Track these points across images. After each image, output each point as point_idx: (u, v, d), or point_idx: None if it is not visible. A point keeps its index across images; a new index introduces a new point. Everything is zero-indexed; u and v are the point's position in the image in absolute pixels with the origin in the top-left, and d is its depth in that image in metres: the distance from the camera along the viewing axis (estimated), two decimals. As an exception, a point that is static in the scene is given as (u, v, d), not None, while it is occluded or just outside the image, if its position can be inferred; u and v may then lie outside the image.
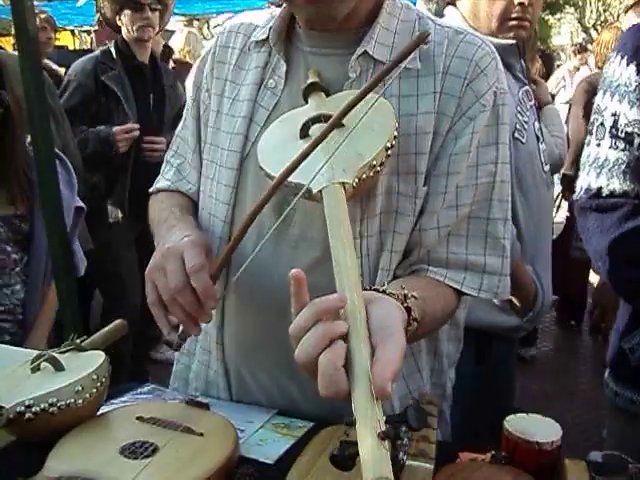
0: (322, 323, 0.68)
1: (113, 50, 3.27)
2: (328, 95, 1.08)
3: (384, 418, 0.62)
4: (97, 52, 3.33)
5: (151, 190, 1.35)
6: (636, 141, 1.38)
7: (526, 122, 1.86)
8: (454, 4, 1.93)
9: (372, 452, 0.59)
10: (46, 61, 3.82)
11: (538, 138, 1.92)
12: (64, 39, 9.47)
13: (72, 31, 9.39)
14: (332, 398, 0.66)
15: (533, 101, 1.94)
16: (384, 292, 0.84)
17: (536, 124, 1.94)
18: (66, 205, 2.06)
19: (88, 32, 6.67)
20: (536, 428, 0.93)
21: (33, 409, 0.97)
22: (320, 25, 1.09)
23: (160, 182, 1.33)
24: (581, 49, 7.46)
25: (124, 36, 3.27)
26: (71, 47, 9.01)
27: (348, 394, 0.65)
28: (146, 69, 3.32)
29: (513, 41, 1.85)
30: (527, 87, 1.95)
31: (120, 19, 3.27)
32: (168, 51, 4.65)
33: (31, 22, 1.75)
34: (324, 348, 0.67)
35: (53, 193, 1.94)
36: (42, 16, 4.33)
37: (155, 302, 1.01)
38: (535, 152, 1.88)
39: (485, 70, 1.06)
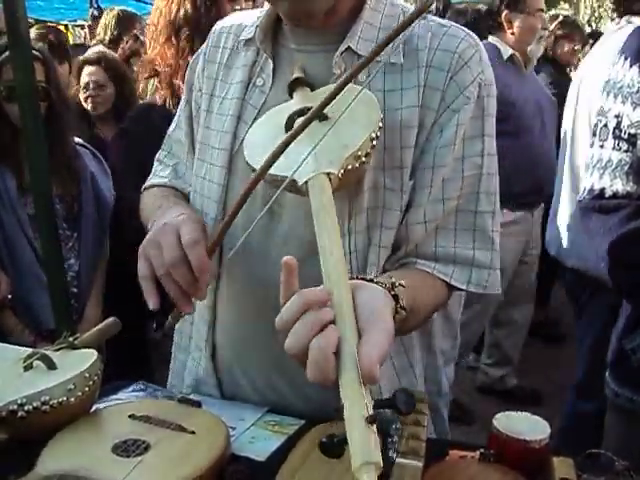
0: (311, 312, 0.71)
1: None
2: (313, 90, 1.11)
3: (372, 402, 0.64)
4: None
5: (144, 186, 1.39)
6: (639, 142, 1.44)
7: None
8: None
9: (360, 437, 0.60)
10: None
11: None
12: (57, 34, 9.56)
13: (66, 26, 9.48)
14: (320, 384, 0.68)
15: None
16: (371, 280, 0.87)
17: None
18: (108, 192, 2.44)
19: (82, 27, 6.78)
20: (524, 426, 0.98)
21: (25, 407, 1.01)
22: (302, 22, 1.13)
23: (154, 179, 1.37)
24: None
25: None
26: (64, 42, 9.09)
27: (336, 382, 0.67)
28: None
29: None
30: None
31: None
32: None
33: (23, 22, 1.79)
34: (314, 335, 0.69)
35: (44, 192, 2.01)
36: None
37: (147, 276, 1.02)
38: None
39: (468, 62, 1.10)
